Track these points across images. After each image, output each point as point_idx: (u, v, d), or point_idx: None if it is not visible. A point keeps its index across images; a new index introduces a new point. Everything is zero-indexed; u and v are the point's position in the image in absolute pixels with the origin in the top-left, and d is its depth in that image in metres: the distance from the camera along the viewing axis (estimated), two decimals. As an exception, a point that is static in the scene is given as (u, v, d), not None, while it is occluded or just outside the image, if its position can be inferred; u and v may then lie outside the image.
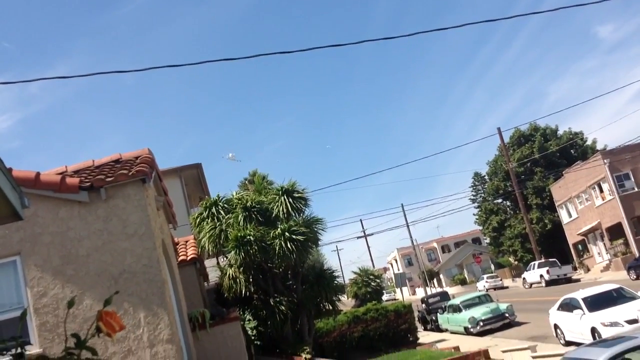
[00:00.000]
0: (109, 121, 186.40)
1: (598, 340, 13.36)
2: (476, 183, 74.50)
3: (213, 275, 20.34)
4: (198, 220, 19.32)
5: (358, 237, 79.19)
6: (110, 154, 11.08)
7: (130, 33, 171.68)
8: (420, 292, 79.50)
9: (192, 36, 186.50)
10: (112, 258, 9.40)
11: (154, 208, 10.50)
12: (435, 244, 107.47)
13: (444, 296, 36.02)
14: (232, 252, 17.75)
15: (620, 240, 48.19)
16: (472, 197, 74.06)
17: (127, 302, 9.22)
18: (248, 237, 17.49)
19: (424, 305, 35.32)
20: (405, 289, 62.28)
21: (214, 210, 19.20)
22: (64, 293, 9.14)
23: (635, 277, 35.76)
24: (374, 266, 72.36)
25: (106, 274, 9.32)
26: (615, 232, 49.28)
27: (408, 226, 71.76)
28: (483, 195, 73.17)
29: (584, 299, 18.36)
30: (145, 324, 9.21)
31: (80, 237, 9.43)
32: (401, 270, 79.98)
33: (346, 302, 49.29)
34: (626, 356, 8.92)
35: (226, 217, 18.84)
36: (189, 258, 16.31)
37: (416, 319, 28.11)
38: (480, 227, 77.95)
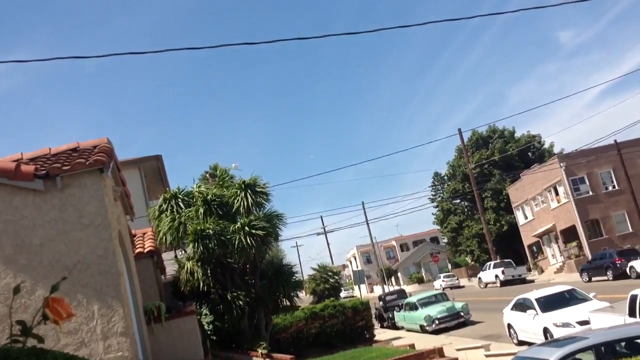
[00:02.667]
0: (68, 109, 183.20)
1: (550, 340, 13.59)
2: (436, 183, 75.29)
3: (170, 269, 20.12)
4: (157, 212, 19.09)
5: (318, 234, 79.55)
6: (69, 142, 10.84)
7: (93, 19, 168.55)
8: (378, 290, 79.92)
9: (156, 25, 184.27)
10: (67, 248, 9.21)
11: (111, 198, 10.32)
12: (394, 242, 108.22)
13: (401, 294, 36.31)
14: (191, 245, 17.60)
15: (574, 243, 49.24)
16: (431, 197, 74.89)
17: (81, 294, 9.04)
18: (207, 230, 17.36)
19: (381, 302, 35.53)
20: (363, 286, 62.64)
21: (173, 203, 19.00)
22: (16, 283, 8.92)
23: (587, 279, 36.60)
24: (333, 263, 72.53)
25: (60, 265, 9.12)
26: (570, 234, 50.33)
27: (368, 224, 72.18)
28: (442, 195, 73.96)
29: (537, 300, 18.70)
30: (99, 316, 9.05)
31: (34, 226, 9.21)
32: (360, 268, 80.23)
33: (304, 298, 49.14)
34: (577, 356, 9.09)
35: (186, 210, 18.68)
36: (146, 250, 16.09)
37: (373, 316, 28.24)
38: (439, 227, 78.80)
